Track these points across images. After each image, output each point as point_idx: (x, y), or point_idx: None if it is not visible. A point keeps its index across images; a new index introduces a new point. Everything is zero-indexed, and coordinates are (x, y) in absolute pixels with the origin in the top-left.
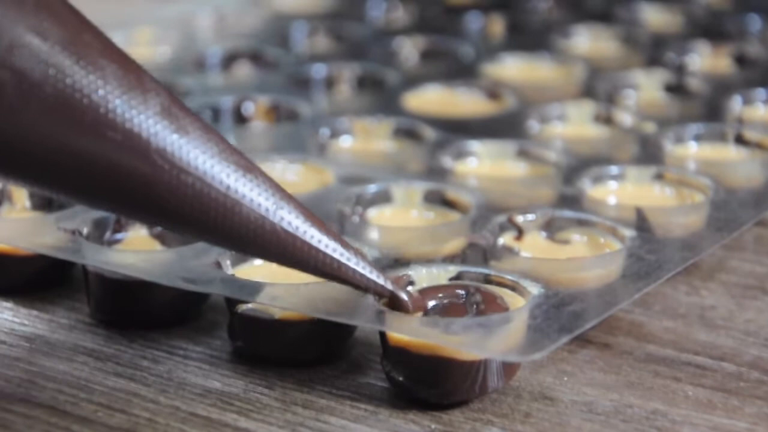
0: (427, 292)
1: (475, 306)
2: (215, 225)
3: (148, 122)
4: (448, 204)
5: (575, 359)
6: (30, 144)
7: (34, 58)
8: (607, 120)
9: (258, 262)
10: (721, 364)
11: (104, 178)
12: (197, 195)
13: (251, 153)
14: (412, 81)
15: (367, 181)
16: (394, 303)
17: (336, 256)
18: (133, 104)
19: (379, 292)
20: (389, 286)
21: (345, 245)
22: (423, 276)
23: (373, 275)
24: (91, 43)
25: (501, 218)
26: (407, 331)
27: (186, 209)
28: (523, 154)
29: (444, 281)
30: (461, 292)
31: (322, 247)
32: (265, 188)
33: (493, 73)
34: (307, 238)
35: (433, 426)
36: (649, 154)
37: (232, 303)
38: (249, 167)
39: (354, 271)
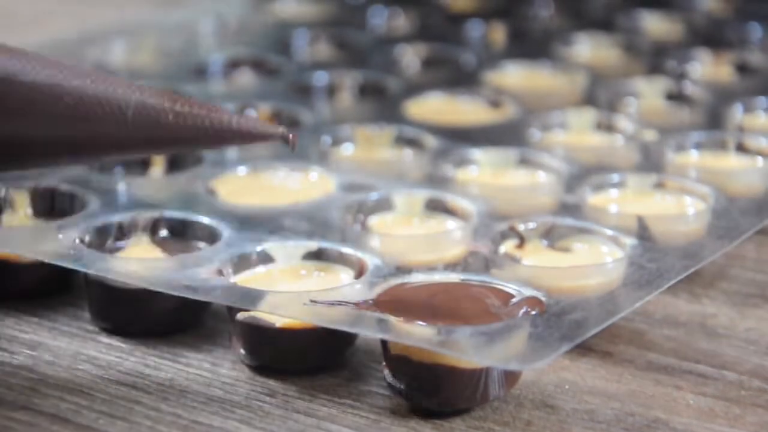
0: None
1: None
2: (82, 137)
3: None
4: (450, 212)
5: (577, 367)
6: None
7: None
8: (608, 128)
9: (260, 269)
10: (723, 373)
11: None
12: (56, 112)
13: (252, 160)
14: (414, 89)
15: (369, 189)
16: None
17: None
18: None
19: (269, 137)
20: (278, 130)
21: (223, 112)
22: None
23: (249, 123)
24: None
25: (502, 226)
26: (408, 340)
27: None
28: (524, 161)
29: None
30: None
31: (204, 116)
32: (118, 86)
33: (495, 81)
34: (197, 116)
35: None
36: (650, 162)
37: (233, 311)
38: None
39: (231, 129)
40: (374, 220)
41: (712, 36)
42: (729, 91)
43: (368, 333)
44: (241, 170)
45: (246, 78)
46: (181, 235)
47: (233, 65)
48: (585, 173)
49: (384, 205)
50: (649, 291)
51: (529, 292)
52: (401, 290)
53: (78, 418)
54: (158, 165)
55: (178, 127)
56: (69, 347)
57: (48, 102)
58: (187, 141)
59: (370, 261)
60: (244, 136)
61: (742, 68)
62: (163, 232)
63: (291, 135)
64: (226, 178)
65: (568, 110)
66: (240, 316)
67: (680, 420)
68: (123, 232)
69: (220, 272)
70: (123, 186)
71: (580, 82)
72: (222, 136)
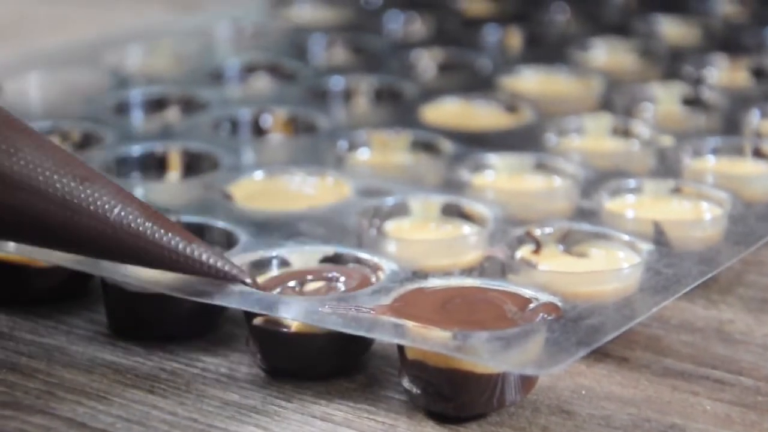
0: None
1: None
2: (60, 236)
3: None
4: (466, 217)
5: (593, 373)
6: None
7: None
8: (624, 133)
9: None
10: (739, 379)
11: None
12: (36, 210)
13: (269, 165)
14: (430, 93)
15: (385, 194)
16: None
17: (180, 250)
18: None
19: (224, 277)
20: (233, 271)
21: (189, 239)
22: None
23: (218, 263)
24: None
25: (519, 231)
26: (425, 345)
27: (28, 225)
28: (540, 167)
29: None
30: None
31: (165, 243)
32: (104, 194)
33: (511, 86)
34: (149, 237)
35: None
36: (666, 167)
37: (250, 315)
38: (85, 176)
39: (200, 263)
40: (390, 225)
41: (728, 41)
42: (746, 96)
43: (385, 338)
44: (258, 175)
45: (262, 83)
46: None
47: (250, 70)
48: (601, 178)
49: (400, 210)
50: (665, 296)
51: (545, 297)
52: (418, 295)
53: (95, 423)
54: (175, 170)
55: (152, 245)
56: (86, 351)
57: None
58: (155, 261)
59: (387, 266)
60: (210, 273)
61: (759, 73)
62: None
63: (246, 280)
64: (243, 182)
65: (585, 115)
66: (256, 320)
67: (697, 426)
68: None
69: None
70: (140, 191)
71: (596, 87)
72: (188, 268)
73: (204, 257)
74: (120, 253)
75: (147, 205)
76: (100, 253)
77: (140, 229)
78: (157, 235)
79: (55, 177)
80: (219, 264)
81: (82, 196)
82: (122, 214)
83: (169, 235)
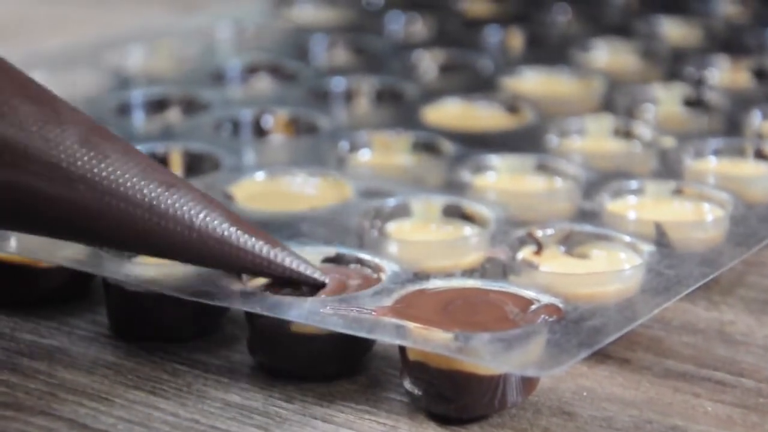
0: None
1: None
2: (145, 240)
3: (67, 152)
4: (467, 218)
5: (594, 374)
6: None
7: None
8: (626, 134)
9: None
10: (741, 380)
11: (33, 208)
12: (123, 215)
13: (270, 166)
14: (431, 94)
15: (386, 195)
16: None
17: (264, 255)
18: (50, 137)
19: (305, 281)
20: (315, 274)
21: (272, 243)
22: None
23: (301, 267)
24: (3, 85)
25: (520, 232)
26: (426, 346)
27: (114, 229)
28: (542, 168)
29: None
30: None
31: (249, 248)
32: (189, 200)
33: (512, 87)
34: (234, 242)
35: None
36: (668, 168)
37: (251, 316)
38: (171, 183)
39: (283, 267)
40: (392, 226)
41: (730, 42)
42: (747, 97)
43: (386, 339)
44: (259, 176)
45: (263, 83)
46: None
47: (251, 71)
48: (603, 179)
49: (401, 211)
50: (667, 298)
51: (547, 298)
52: (419, 296)
53: (96, 424)
54: (176, 170)
55: (239, 251)
56: (87, 352)
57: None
58: (241, 267)
59: (388, 267)
60: (291, 278)
61: (761, 74)
62: None
63: (325, 281)
64: (244, 183)
65: (586, 116)
66: (257, 321)
67: (698, 427)
68: None
69: (238, 277)
70: None
71: (597, 88)
72: (270, 272)
73: (287, 261)
74: (205, 258)
75: (231, 211)
76: (185, 258)
77: (225, 234)
78: (241, 240)
79: (142, 183)
80: (302, 268)
81: (169, 201)
82: (207, 219)
83: (254, 239)
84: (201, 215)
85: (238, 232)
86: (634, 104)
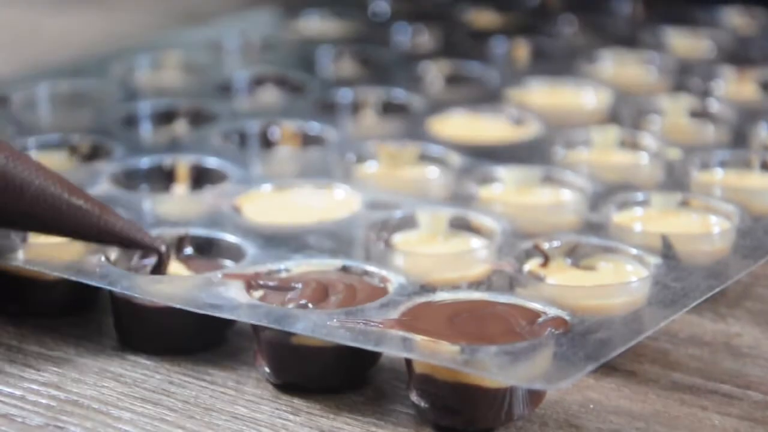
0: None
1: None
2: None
3: None
4: (474, 230)
5: (601, 387)
6: None
7: None
8: (632, 146)
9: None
10: (748, 393)
11: None
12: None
13: (277, 178)
14: (438, 106)
15: (393, 207)
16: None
17: (94, 220)
18: None
19: (138, 246)
20: (146, 239)
21: (105, 211)
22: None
23: (132, 233)
24: None
25: (527, 245)
26: (433, 359)
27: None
28: (548, 179)
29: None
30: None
31: (80, 215)
32: (24, 169)
33: (518, 98)
34: (64, 208)
35: None
36: (674, 180)
37: (258, 329)
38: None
39: (114, 234)
40: (398, 238)
41: (736, 53)
42: (753, 109)
43: (393, 352)
44: (266, 188)
45: (270, 95)
46: (206, 252)
47: (258, 82)
48: (609, 191)
49: (408, 223)
50: (674, 310)
51: (553, 311)
52: (425, 309)
53: None
54: (183, 182)
55: (69, 216)
56: (94, 364)
57: None
58: (73, 231)
59: (395, 279)
60: (124, 242)
61: (767, 86)
62: (189, 250)
63: (165, 250)
64: (251, 195)
65: (592, 128)
66: (264, 334)
67: None
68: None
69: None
70: (149, 203)
71: (604, 99)
72: (104, 236)
73: (117, 227)
74: (37, 223)
75: (67, 180)
76: (19, 226)
77: (56, 202)
78: (73, 205)
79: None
80: (133, 233)
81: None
82: (42, 187)
83: (87, 205)
84: (36, 182)
85: (71, 198)
86: (640, 116)
